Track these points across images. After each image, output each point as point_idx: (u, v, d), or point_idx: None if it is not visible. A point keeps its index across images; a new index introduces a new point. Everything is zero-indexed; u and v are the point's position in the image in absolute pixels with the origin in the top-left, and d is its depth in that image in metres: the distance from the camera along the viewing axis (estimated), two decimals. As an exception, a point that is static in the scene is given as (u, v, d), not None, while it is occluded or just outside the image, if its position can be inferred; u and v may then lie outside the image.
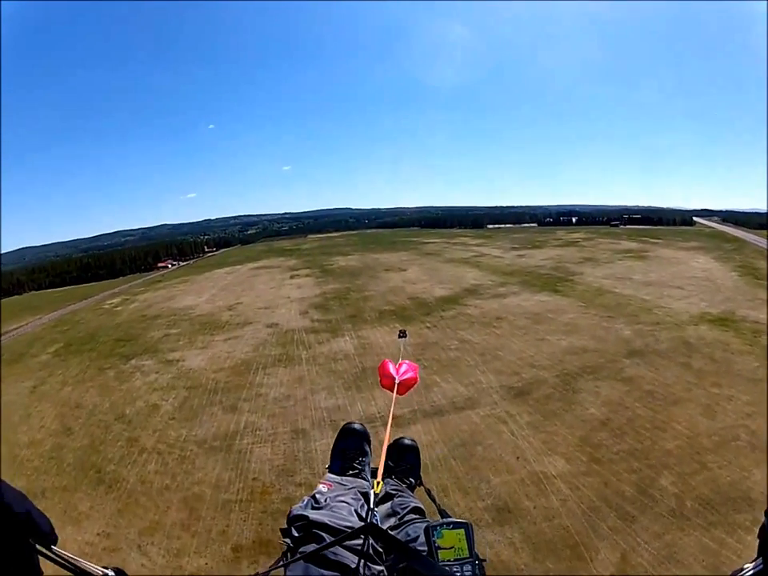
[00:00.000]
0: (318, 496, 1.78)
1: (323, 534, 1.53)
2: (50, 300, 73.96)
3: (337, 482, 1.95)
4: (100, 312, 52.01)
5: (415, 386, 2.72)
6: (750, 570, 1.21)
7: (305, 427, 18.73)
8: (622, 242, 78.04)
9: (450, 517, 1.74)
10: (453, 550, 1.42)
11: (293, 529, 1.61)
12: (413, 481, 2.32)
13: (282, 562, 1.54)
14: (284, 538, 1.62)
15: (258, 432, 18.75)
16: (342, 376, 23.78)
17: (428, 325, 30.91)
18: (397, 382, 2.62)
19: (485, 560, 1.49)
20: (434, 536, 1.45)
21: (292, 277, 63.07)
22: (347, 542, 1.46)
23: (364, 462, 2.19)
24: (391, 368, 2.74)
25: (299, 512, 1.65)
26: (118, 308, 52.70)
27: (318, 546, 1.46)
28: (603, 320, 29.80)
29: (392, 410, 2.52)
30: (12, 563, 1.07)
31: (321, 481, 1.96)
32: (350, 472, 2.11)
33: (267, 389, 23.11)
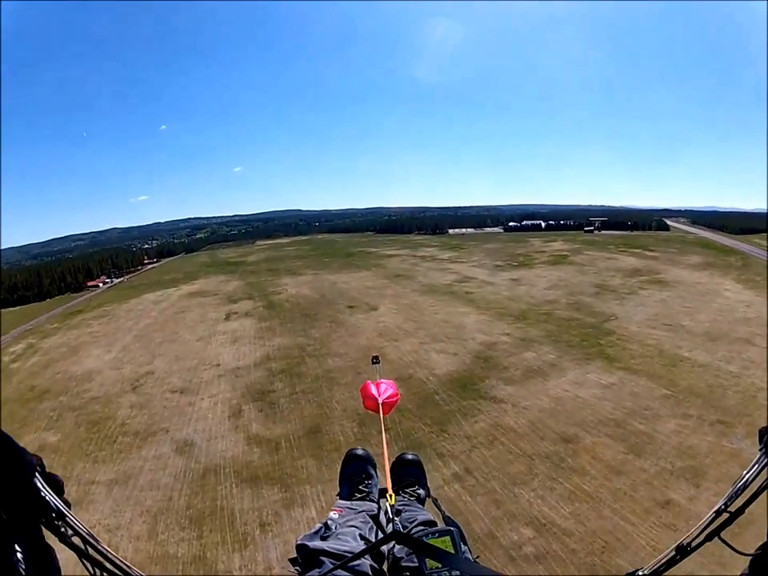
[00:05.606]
0: (329, 522, 1.75)
1: (325, 560, 1.53)
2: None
3: (347, 507, 1.91)
4: (-6, 370, 38.92)
5: (397, 402, 2.61)
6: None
7: None
8: (619, 257, 69.29)
9: (457, 524, 1.75)
10: None
11: (299, 558, 1.61)
12: (421, 493, 2.21)
13: None
14: (293, 566, 1.62)
15: None
16: None
17: (453, 470, 17.07)
18: (380, 402, 2.56)
19: (477, 556, 1.49)
20: None
21: (227, 317, 47.31)
22: (351, 565, 1.45)
23: (370, 484, 2.16)
24: (372, 389, 2.67)
25: (301, 541, 1.60)
26: (15, 364, 39.61)
27: (320, 572, 1.45)
28: (721, 435, 18.52)
29: (383, 428, 2.32)
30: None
31: (332, 508, 1.91)
32: (358, 495, 2.09)
33: None
